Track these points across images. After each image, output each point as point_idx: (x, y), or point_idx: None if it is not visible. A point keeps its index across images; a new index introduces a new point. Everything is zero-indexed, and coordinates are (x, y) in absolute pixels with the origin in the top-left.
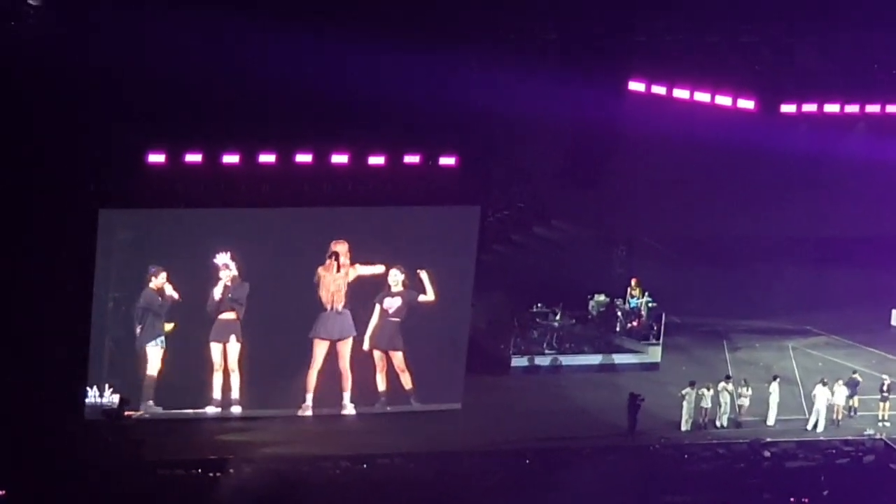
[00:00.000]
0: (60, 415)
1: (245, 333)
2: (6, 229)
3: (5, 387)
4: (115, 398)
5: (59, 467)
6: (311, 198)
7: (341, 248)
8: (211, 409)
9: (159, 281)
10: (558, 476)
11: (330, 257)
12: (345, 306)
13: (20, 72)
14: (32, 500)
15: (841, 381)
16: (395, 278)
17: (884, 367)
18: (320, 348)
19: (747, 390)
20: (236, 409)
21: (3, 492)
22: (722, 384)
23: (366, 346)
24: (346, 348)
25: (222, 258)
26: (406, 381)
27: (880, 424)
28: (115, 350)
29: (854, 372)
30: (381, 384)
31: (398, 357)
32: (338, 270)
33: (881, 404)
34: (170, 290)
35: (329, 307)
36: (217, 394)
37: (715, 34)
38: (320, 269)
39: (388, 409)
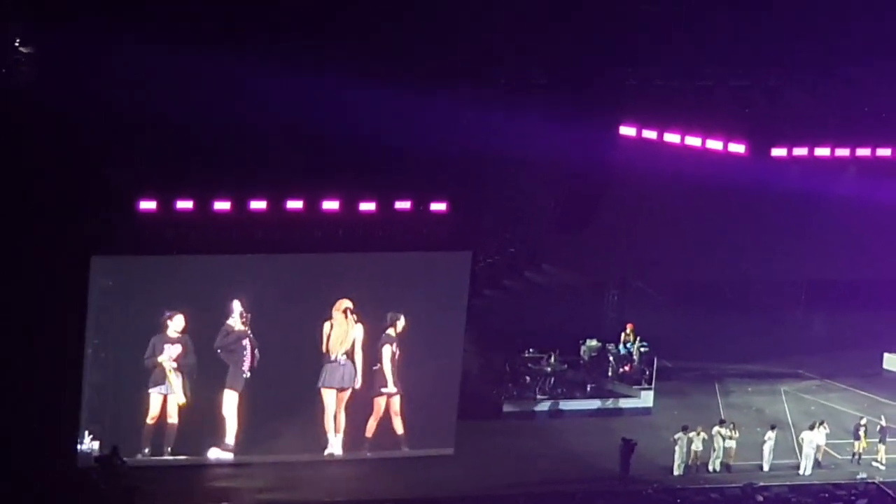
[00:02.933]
0: (53, 463)
1: (247, 381)
2: None
3: None
4: (95, 445)
5: None
6: (303, 244)
7: (347, 304)
8: (212, 454)
9: (175, 325)
10: None
11: (335, 313)
12: (348, 357)
13: (11, 119)
14: None
15: (825, 424)
16: (398, 324)
17: (876, 410)
18: (329, 396)
19: (735, 433)
20: (237, 456)
21: None
22: (716, 428)
23: (387, 390)
24: (345, 396)
25: (237, 306)
26: (398, 425)
27: (875, 465)
28: (95, 397)
29: (880, 420)
30: (370, 430)
31: (396, 401)
32: (341, 325)
33: (879, 447)
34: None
35: (334, 358)
36: (218, 439)
37: (706, 78)
38: (326, 324)
39: (369, 454)
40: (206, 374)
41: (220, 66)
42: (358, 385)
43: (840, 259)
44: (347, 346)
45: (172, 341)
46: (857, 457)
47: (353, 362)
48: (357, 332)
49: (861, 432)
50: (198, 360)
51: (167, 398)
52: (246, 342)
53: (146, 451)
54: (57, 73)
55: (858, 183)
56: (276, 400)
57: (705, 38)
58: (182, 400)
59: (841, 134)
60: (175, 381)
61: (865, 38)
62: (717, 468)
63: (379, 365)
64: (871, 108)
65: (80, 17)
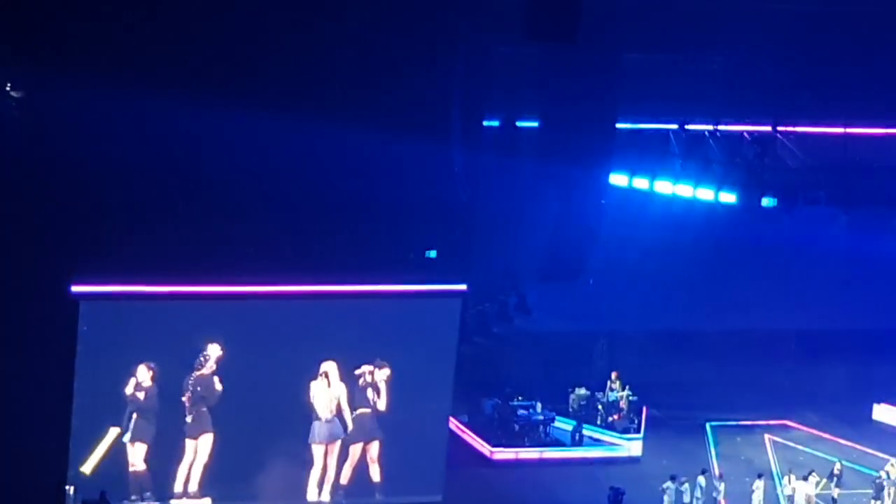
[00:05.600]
0: None
1: (223, 427)
2: None
3: None
4: (70, 490)
5: None
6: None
7: (330, 366)
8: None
9: (142, 374)
10: None
11: (321, 375)
12: (334, 415)
13: (1, 162)
14: None
15: (815, 473)
16: (380, 373)
17: (865, 461)
18: (318, 451)
19: (720, 484)
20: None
21: None
22: (700, 478)
23: (351, 440)
24: (335, 448)
25: (214, 350)
26: (375, 472)
27: None
28: (72, 443)
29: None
30: (345, 477)
31: (374, 447)
32: (329, 386)
33: (833, 488)
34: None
35: (322, 416)
36: (187, 486)
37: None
38: (313, 384)
39: (344, 502)
40: (175, 420)
41: (208, 114)
42: (344, 437)
43: (830, 309)
44: (333, 405)
45: (142, 388)
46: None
47: (340, 418)
48: (340, 390)
49: (836, 474)
50: (169, 407)
51: (135, 445)
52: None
53: (131, 497)
54: (48, 118)
55: (849, 233)
56: (258, 450)
57: (697, 86)
58: (145, 447)
59: (831, 185)
60: (142, 427)
61: (857, 90)
62: None
63: (363, 411)
64: (860, 159)
65: (72, 64)
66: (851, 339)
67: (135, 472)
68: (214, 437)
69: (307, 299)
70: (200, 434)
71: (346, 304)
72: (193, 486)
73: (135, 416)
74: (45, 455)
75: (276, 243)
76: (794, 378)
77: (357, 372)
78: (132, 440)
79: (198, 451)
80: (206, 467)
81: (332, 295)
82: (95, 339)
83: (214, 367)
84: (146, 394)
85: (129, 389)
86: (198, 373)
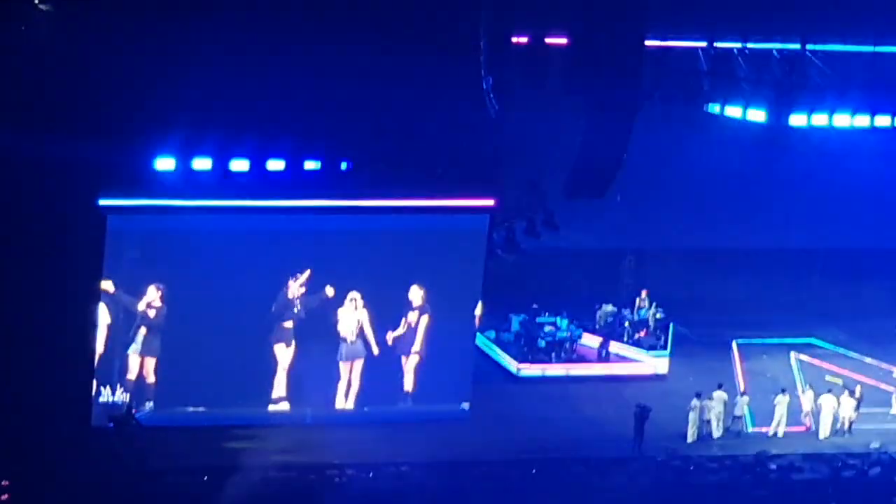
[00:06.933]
0: (67, 420)
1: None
2: (13, 235)
3: (9, 391)
4: (126, 397)
5: (65, 473)
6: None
7: (356, 295)
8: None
9: (150, 296)
10: (564, 486)
11: (349, 301)
12: (357, 337)
13: (30, 76)
14: None
15: (847, 393)
16: (416, 294)
17: (890, 380)
18: (344, 368)
19: (744, 399)
20: (283, 406)
21: (7, 496)
22: (718, 392)
23: (395, 352)
24: (359, 366)
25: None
26: (408, 382)
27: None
28: (120, 354)
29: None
30: (382, 386)
31: (413, 360)
32: (355, 309)
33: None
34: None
35: (347, 338)
36: (272, 393)
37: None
38: (340, 311)
39: (367, 409)
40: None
41: (235, 26)
42: (366, 356)
43: (856, 228)
44: (356, 328)
45: (153, 306)
46: (848, 425)
47: (364, 339)
48: (363, 315)
49: (856, 397)
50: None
51: (145, 358)
52: None
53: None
54: (76, 31)
55: (879, 152)
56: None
57: (726, 3)
58: (154, 360)
59: (860, 102)
60: (152, 342)
61: (886, 6)
62: (721, 434)
63: (402, 330)
64: (891, 76)
65: None
66: (879, 257)
67: (145, 383)
68: (293, 347)
69: (336, 213)
70: (277, 343)
71: (376, 220)
72: (280, 392)
73: (144, 330)
74: (73, 367)
75: (301, 161)
76: (821, 296)
77: None
78: (142, 354)
79: (278, 359)
80: (288, 374)
81: (362, 210)
82: (121, 253)
83: (296, 291)
84: (157, 312)
85: (140, 306)
86: (282, 291)
